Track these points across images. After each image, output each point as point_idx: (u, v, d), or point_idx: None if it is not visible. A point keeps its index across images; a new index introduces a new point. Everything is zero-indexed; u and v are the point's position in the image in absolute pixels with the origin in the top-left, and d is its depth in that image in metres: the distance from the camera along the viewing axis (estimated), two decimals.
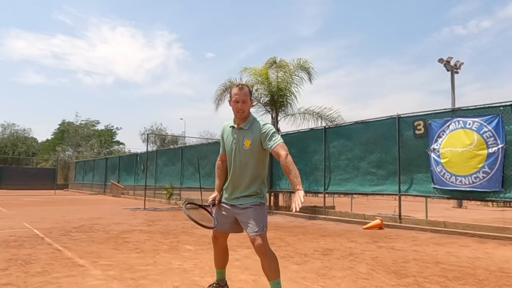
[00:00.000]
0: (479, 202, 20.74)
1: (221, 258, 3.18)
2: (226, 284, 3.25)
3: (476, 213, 12.50)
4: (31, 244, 5.67)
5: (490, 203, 18.64)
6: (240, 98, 2.84)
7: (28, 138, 50.87)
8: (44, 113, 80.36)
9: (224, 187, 3.06)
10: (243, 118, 2.90)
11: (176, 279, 3.79)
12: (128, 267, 4.27)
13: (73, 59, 79.21)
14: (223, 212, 3.03)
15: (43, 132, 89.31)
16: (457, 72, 20.87)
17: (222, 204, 3.06)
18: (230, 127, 3.00)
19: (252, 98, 3.04)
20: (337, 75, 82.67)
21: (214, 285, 3.21)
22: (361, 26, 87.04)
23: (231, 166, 2.95)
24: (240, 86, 2.89)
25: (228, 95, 3.03)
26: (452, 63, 20.57)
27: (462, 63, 20.96)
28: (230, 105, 2.93)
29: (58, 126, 51.86)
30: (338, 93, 78.43)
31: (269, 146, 2.78)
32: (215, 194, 3.08)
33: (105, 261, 4.57)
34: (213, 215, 2.99)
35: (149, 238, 6.54)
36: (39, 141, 55.29)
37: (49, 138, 53.69)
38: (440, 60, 20.65)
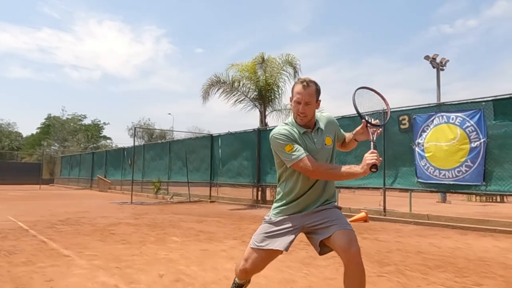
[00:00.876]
0: (463, 197, 21.19)
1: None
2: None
3: (460, 207, 12.78)
4: (15, 236, 5.62)
5: (473, 198, 19.07)
6: (303, 99, 2.31)
7: (12, 133, 49.99)
8: (30, 107, 79.08)
9: (292, 204, 2.40)
10: (305, 122, 2.38)
11: (161, 268, 3.81)
12: (114, 257, 4.27)
13: (59, 53, 77.95)
14: (286, 228, 2.38)
15: (28, 127, 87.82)
16: (442, 69, 21.16)
17: (283, 220, 2.40)
18: (302, 133, 2.38)
19: (319, 100, 2.42)
20: (326, 72, 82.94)
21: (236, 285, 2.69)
22: (351, 24, 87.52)
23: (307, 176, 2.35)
24: (305, 83, 2.33)
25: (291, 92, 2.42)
26: (438, 60, 20.85)
27: (448, 61, 21.27)
28: (291, 103, 2.42)
29: (43, 121, 51.11)
30: (328, 90, 78.61)
31: (342, 133, 2.61)
32: (366, 157, 2.22)
33: (91, 252, 4.57)
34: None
35: (136, 230, 6.53)
36: (24, 135, 54.40)
37: (34, 132, 52.85)
38: (426, 57, 20.89)
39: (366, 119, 2.41)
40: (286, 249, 2.34)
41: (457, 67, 72.24)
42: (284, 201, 2.42)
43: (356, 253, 2.15)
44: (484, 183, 7.48)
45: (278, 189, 2.51)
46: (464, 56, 74.23)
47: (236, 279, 2.68)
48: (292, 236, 2.37)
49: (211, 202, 14.28)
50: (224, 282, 3.31)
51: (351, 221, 8.36)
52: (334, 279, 3.47)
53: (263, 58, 13.63)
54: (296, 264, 4.08)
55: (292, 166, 2.31)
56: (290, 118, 2.47)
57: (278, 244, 2.33)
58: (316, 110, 2.47)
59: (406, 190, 9.20)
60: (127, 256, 4.37)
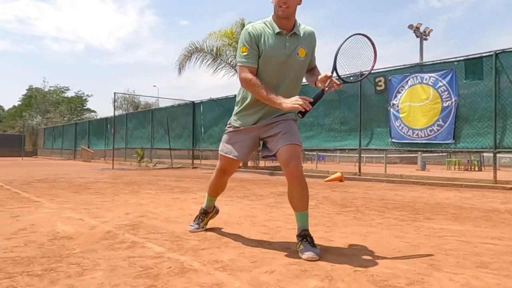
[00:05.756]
0: (442, 165, 21.64)
1: (223, 188, 2.85)
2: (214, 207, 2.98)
3: (436, 173, 13.06)
4: None
5: (453, 166, 19.58)
6: None
7: None
8: (9, 80, 76.98)
9: (253, 110, 2.42)
10: (286, 16, 2.24)
11: (129, 209, 3.92)
12: (84, 203, 4.37)
13: (39, 24, 75.68)
14: (243, 140, 2.51)
15: (8, 99, 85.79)
16: (426, 39, 21.23)
17: (241, 131, 2.50)
18: (277, 33, 2.27)
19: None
20: None
21: (202, 211, 2.92)
22: None
23: (273, 82, 2.32)
24: None
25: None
26: (421, 29, 20.88)
27: (431, 30, 21.33)
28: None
29: (25, 92, 50.00)
30: None
31: (314, 58, 2.50)
32: (295, 97, 2.17)
33: (63, 199, 4.65)
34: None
35: (112, 186, 6.61)
36: (6, 108, 53.30)
37: (16, 104, 51.79)
38: (410, 27, 20.91)
39: (335, 74, 2.27)
40: (243, 158, 2.55)
41: (444, 41, 72.35)
42: (246, 104, 2.43)
43: (295, 168, 2.26)
44: (453, 141, 7.72)
45: (243, 92, 2.47)
46: (451, 30, 74.23)
47: (204, 205, 2.91)
48: (249, 146, 2.52)
49: (193, 168, 14.41)
50: (186, 218, 3.43)
51: (326, 181, 8.61)
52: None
53: (243, 25, 13.45)
54: (261, 207, 4.24)
55: (238, 67, 2.36)
56: (270, 17, 2.35)
57: (237, 154, 2.51)
58: (302, 24, 2.40)
59: (381, 150, 9.43)
60: (98, 202, 4.46)
